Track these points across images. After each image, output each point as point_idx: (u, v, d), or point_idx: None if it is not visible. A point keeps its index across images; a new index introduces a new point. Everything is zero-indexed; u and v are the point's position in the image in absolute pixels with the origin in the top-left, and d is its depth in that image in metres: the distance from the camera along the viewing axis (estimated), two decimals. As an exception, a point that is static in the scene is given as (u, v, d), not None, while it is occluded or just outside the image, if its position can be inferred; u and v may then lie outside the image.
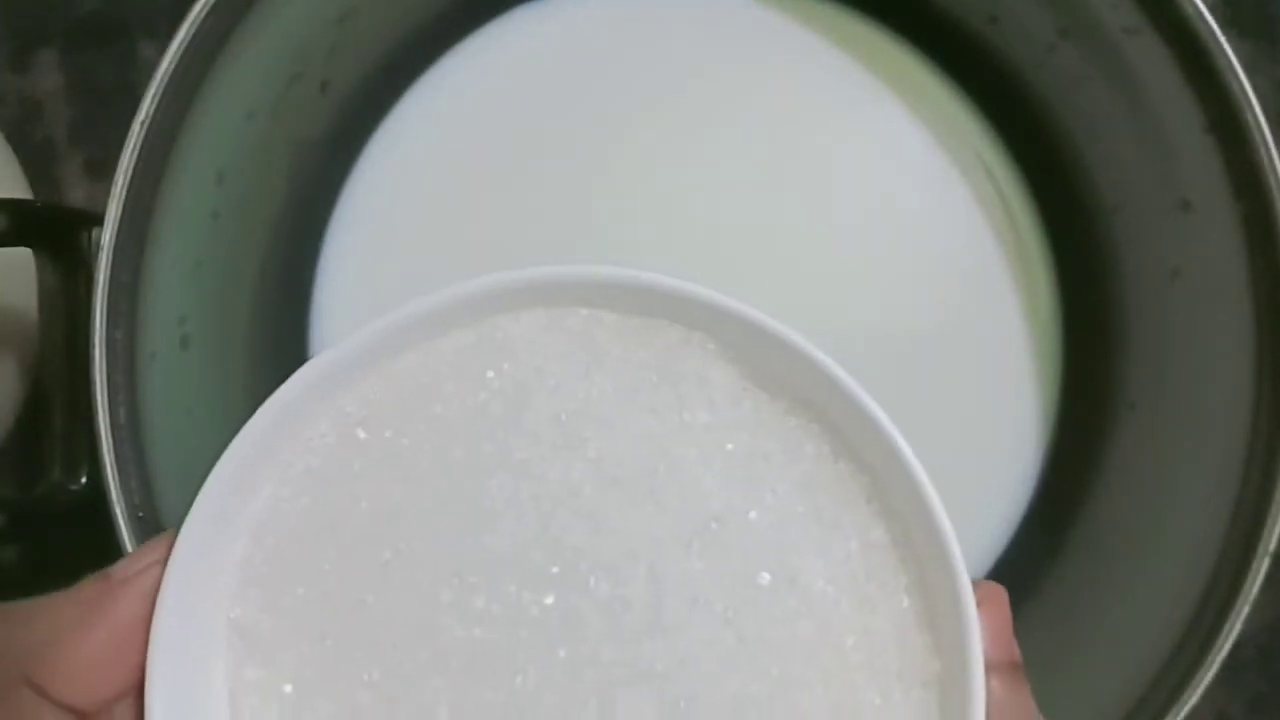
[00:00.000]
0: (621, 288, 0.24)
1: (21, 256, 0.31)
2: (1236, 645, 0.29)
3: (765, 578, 0.23)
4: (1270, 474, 0.30)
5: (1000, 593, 0.23)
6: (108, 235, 0.30)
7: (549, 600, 0.23)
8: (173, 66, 0.30)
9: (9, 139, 0.39)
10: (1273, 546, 0.29)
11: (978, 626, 0.22)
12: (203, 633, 0.23)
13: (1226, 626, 0.29)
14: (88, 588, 0.22)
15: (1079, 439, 0.36)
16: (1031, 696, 0.23)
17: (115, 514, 0.29)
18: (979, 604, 0.22)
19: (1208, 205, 0.32)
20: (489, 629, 0.23)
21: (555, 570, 0.23)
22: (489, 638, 0.23)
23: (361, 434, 0.24)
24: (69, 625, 0.21)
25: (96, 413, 0.30)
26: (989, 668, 0.22)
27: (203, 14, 0.30)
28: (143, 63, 0.41)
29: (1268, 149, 0.30)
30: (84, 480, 0.31)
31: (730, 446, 0.24)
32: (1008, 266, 0.37)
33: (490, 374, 0.24)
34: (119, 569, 0.22)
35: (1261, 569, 0.29)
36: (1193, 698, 0.29)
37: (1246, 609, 0.29)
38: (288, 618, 0.23)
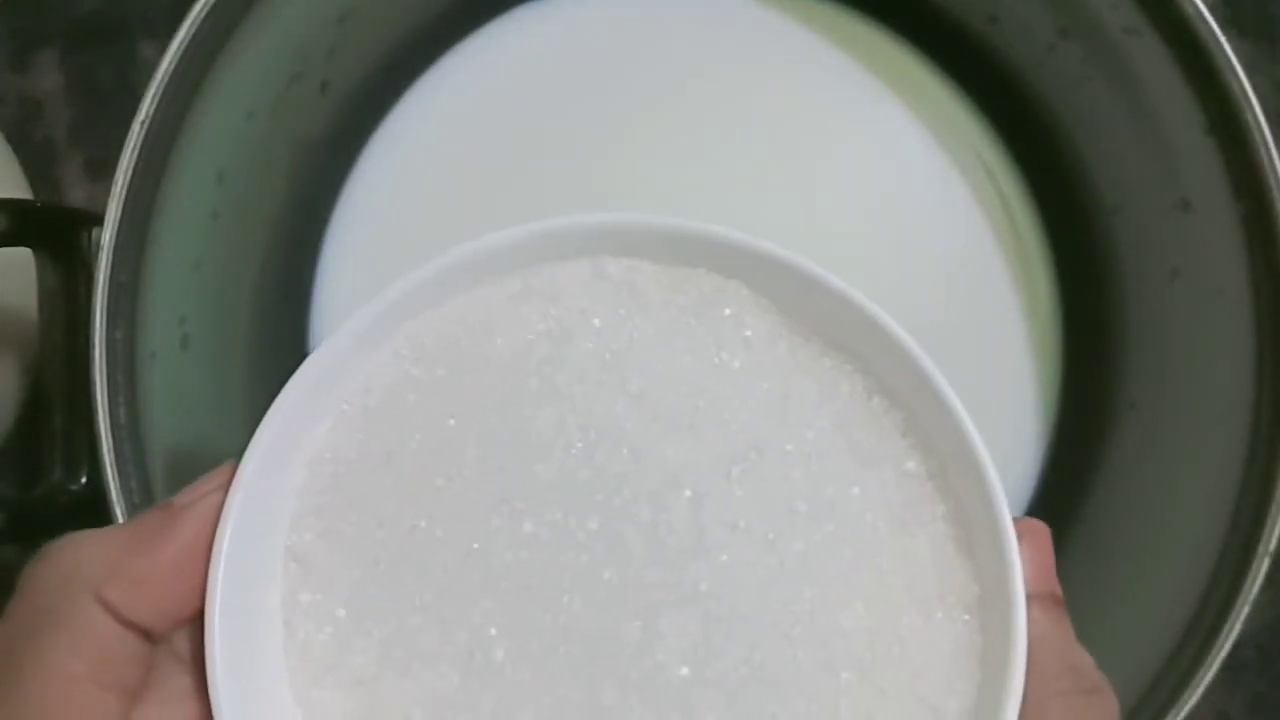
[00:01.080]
0: (660, 235, 0.25)
1: (21, 256, 0.31)
2: (1236, 645, 0.29)
3: (803, 505, 0.24)
4: (1270, 474, 0.30)
5: (1042, 529, 0.23)
6: (108, 235, 0.30)
7: (594, 525, 0.24)
8: (173, 66, 0.30)
9: (9, 139, 0.39)
10: (1273, 546, 0.29)
11: (1017, 554, 0.22)
12: (260, 558, 0.24)
13: (1226, 626, 0.29)
14: (151, 516, 0.23)
15: (1079, 439, 0.36)
16: (1071, 630, 0.23)
17: (115, 514, 0.29)
18: (1020, 537, 0.22)
19: (1208, 205, 0.32)
20: (537, 553, 0.24)
21: (600, 497, 0.24)
22: (537, 561, 0.24)
23: (415, 371, 0.25)
24: (135, 547, 0.22)
25: (96, 413, 0.30)
26: (1030, 597, 0.22)
27: (202, 14, 0.30)
28: (143, 63, 0.41)
29: (1268, 149, 0.30)
30: (84, 480, 0.31)
31: (766, 385, 0.25)
32: (1008, 266, 0.37)
33: (536, 317, 0.25)
34: (181, 497, 0.23)
35: (1261, 569, 0.29)
36: (1193, 697, 0.29)
37: (1246, 609, 0.29)
38: (342, 544, 0.24)
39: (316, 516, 0.24)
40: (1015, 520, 0.23)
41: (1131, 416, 0.34)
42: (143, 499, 0.30)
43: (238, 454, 0.23)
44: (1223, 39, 0.30)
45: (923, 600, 0.24)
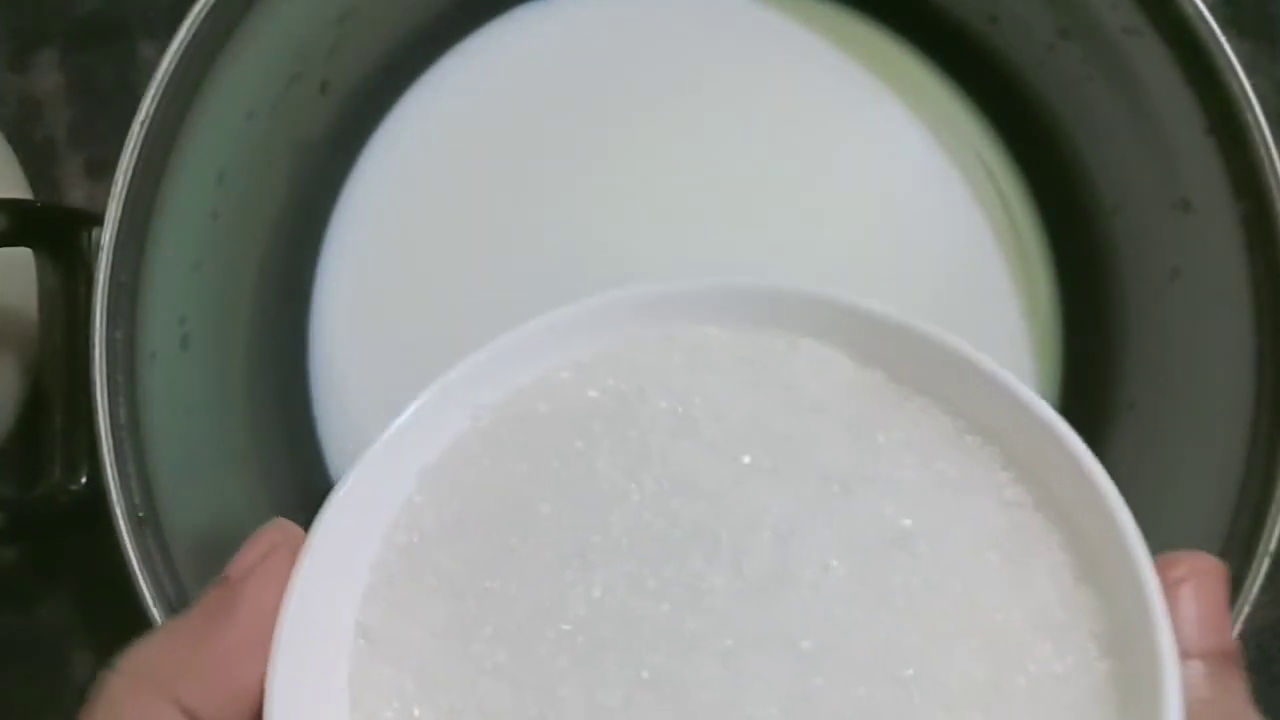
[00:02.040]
0: (732, 294, 0.25)
1: (21, 256, 0.31)
2: (1236, 645, 0.29)
3: (899, 540, 0.23)
4: (1270, 474, 0.30)
5: (1213, 569, 0.20)
6: (108, 235, 0.30)
7: (671, 573, 0.23)
8: (173, 66, 0.30)
9: (9, 139, 0.39)
10: (1273, 546, 0.29)
11: (1160, 605, 0.20)
12: (325, 635, 0.23)
13: (1226, 626, 0.29)
14: (211, 598, 0.23)
15: (1079, 439, 0.36)
16: (1244, 693, 0.20)
17: (115, 514, 0.29)
18: (1183, 580, 0.20)
19: (1208, 205, 0.32)
20: (612, 605, 0.23)
21: (678, 545, 0.23)
22: (613, 614, 0.23)
23: (487, 438, 0.25)
24: (201, 638, 0.22)
25: (96, 413, 0.30)
26: (1191, 654, 0.19)
27: (202, 14, 0.30)
28: (143, 63, 0.41)
29: (1268, 149, 0.30)
30: (84, 480, 0.31)
31: (849, 428, 0.24)
32: (1008, 266, 0.37)
33: (608, 379, 0.25)
34: (235, 566, 0.23)
35: (1261, 569, 0.29)
36: (1193, 698, 0.29)
37: (1246, 609, 0.29)
38: (413, 614, 0.24)
39: (389, 588, 0.24)
40: (1181, 557, 0.20)
41: (1131, 416, 0.34)
42: (142, 499, 0.30)
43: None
44: (1223, 39, 0.30)
45: (1048, 633, 0.22)
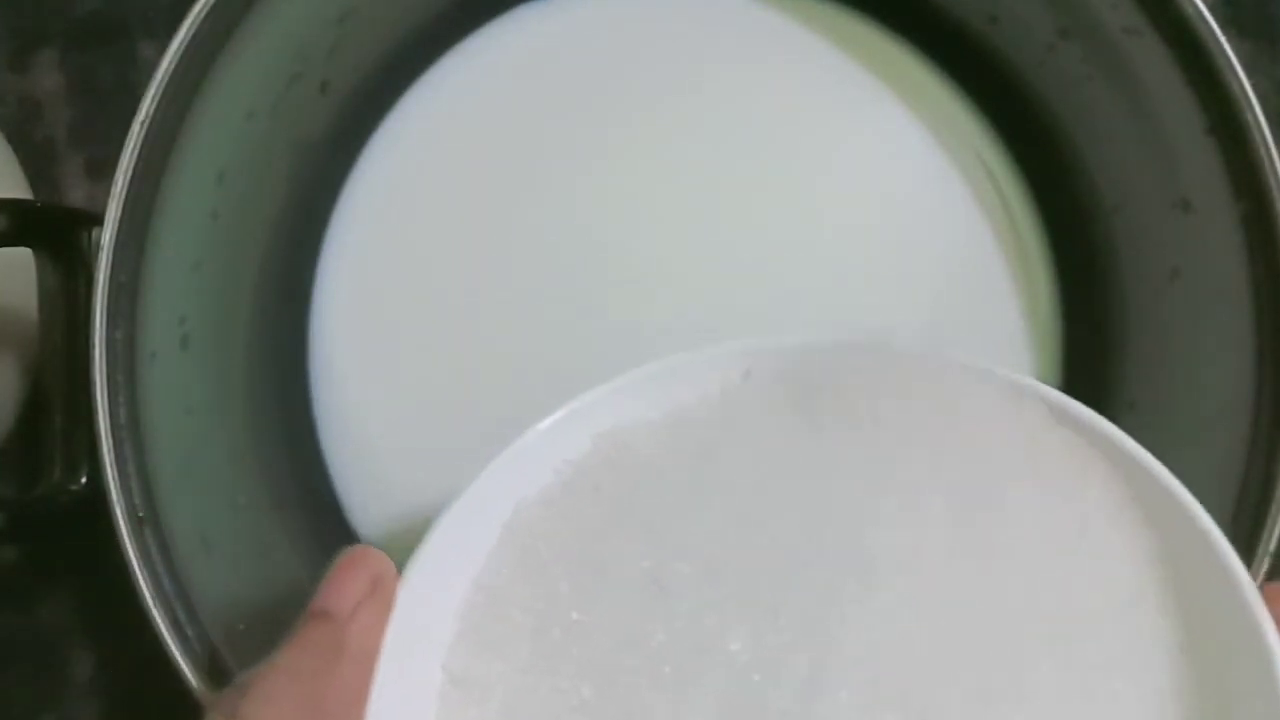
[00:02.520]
0: (804, 350, 0.26)
1: (21, 256, 0.31)
2: (1236, 645, 0.29)
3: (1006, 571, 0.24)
4: (1270, 474, 0.30)
5: None
6: (108, 235, 0.30)
7: (768, 598, 0.24)
8: (173, 66, 0.30)
9: (9, 139, 0.39)
10: (1273, 546, 0.29)
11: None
12: (416, 681, 0.24)
13: (1226, 626, 0.29)
14: (318, 633, 0.22)
15: (1079, 439, 0.36)
16: None
17: (115, 514, 0.29)
18: None
19: (1208, 205, 0.32)
20: (696, 632, 0.23)
21: (770, 573, 0.24)
22: (695, 641, 0.23)
23: (571, 487, 0.25)
24: (318, 682, 0.22)
25: (96, 413, 0.30)
26: None
27: (202, 14, 0.30)
28: (143, 63, 0.41)
29: (1268, 149, 0.30)
30: (84, 480, 0.31)
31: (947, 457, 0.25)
32: (1008, 266, 0.37)
33: (689, 435, 0.26)
34: (331, 599, 0.23)
35: (1261, 569, 0.29)
36: (1193, 698, 0.29)
37: (1246, 609, 0.29)
38: (499, 658, 0.24)
39: (476, 634, 0.24)
40: None
41: (1131, 416, 0.34)
42: (142, 499, 0.30)
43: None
44: (1223, 39, 0.30)
45: None
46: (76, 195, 0.40)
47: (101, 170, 0.40)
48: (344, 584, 0.23)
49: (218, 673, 0.30)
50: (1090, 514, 0.24)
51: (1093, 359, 0.36)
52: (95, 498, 0.30)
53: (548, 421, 0.25)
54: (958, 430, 0.25)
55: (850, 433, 0.25)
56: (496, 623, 0.24)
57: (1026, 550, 0.24)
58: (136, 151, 0.30)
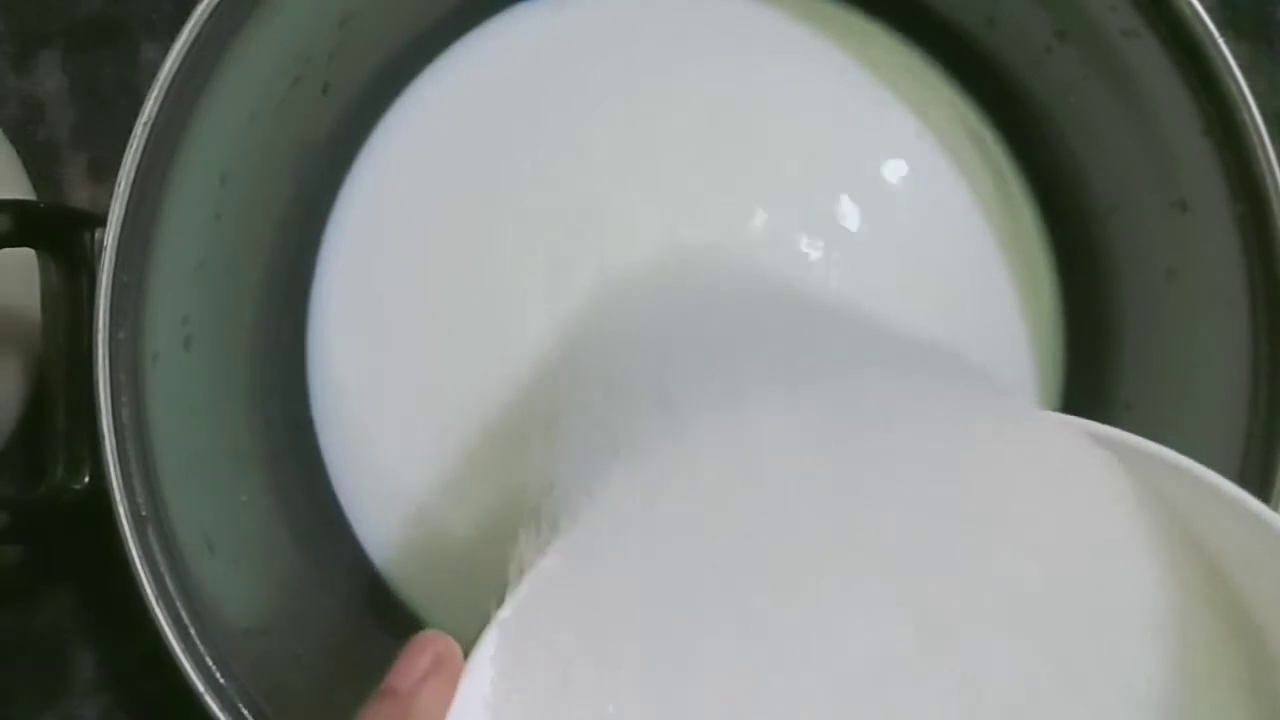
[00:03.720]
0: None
1: (24, 257, 0.31)
2: (1234, 644, 0.29)
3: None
4: (1268, 474, 0.30)
5: None
6: (110, 236, 0.30)
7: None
8: (175, 68, 0.30)
9: (12, 140, 0.39)
10: (1270, 546, 0.29)
11: None
12: None
13: (1224, 626, 0.29)
14: (384, 712, 0.23)
15: (1077, 439, 0.36)
16: None
17: (118, 514, 0.30)
18: None
19: (1205, 206, 0.32)
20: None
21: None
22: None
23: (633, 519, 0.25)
24: None
25: (99, 413, 0.30)
26: None
27: (205, 16, 0.30)
28: (145, 64, 0.41)
29: (1265, 150, 0.30)
30: (87, 480, 0.31)
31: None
32: (1008, 266, 0.37)
33: (732, 491, 0.25)
34: (400, 678, 0.24)
35: (1259, 568, 0.29)
36: (1191, 696, 0.29)
37: (1244, 608, 0.29)
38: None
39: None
40: None
41: (1128, 417, 0.34)
42: (145, 499, 0.30)
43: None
44: (1220, 41, 0.30)
45: None
46: (79, 196, 0.40)
47: (104, 171, 0.40)
48: (409, 664, 0.24)
49: (220, 672, 0.30)
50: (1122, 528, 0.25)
51: (1091, 359, 0.36)
52: (98, 497, 0.30)
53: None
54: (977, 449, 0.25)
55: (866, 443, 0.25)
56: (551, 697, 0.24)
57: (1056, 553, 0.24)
58: (139, 152, 0.30)
